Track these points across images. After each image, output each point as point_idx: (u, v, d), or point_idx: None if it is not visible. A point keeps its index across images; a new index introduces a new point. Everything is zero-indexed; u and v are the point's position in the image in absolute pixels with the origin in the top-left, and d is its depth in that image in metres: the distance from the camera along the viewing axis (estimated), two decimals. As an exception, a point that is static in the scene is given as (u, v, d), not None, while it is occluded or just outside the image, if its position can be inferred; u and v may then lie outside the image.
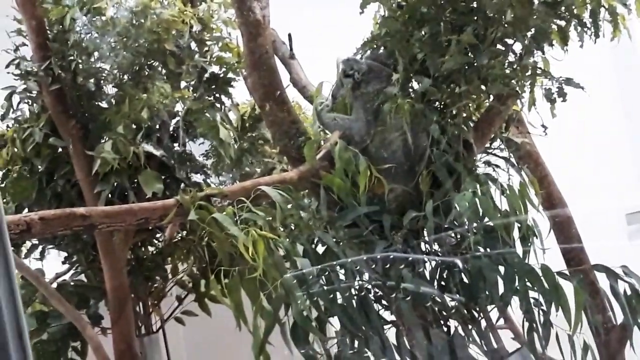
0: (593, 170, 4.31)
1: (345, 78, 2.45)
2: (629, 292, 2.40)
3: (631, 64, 4.38)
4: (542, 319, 2.30)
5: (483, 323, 2.37)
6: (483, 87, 2.32)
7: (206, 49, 2.90)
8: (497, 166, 2.58)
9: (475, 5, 2.35)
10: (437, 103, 2.37)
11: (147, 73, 2.73)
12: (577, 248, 2.94)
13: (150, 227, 2.92)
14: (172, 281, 3.25)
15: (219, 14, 2.83)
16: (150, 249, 3.22)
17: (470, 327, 2.34)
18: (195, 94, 2.87)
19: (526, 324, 2.31)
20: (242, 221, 2.16)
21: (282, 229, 2.25)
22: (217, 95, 2.96)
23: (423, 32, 2.37)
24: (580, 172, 3.88)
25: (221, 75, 2.97)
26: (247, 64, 2.35)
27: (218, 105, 2.95)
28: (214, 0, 2.86)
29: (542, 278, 2.23)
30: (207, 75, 2.93)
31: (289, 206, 2.27)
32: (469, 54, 2.29)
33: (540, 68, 2.42)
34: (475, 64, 2.28)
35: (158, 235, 3.22)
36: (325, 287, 2.18)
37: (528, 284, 2.26)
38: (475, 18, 2.33)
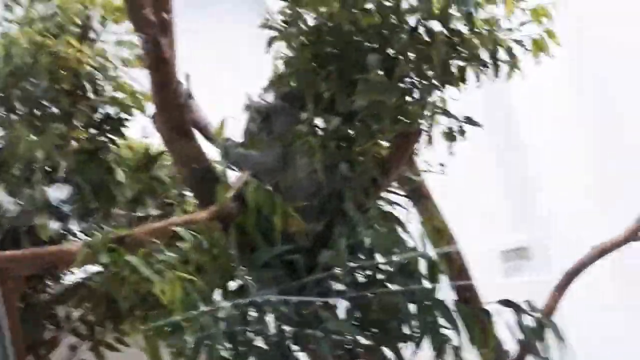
0: (471, 209, 4.44)
1: (254, 116, 2.47)
2: (533, 325, 2.48)
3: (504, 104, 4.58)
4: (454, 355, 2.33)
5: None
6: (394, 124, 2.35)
7: (100, 88, 2.83)
8: (397, 204, 2.62)
9: (378, 45, 2.40)
10: (347, 141, 2.39)
11: (41, 113, 2.65)
12: (469, 284, 3.01)
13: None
14: (65, 329, 3.13)
15: (118, 53, 2.78)
16: (42, 295, 3.09)
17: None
18: (87, 135, 2.79)
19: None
20: (155, 264, 2.11)
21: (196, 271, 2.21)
22: (111, 136, 2.89)
23: (329, 71, 2.39)
24: (459, 210, 3.99)
25: (115, 116, 2.91)
26: (156, 103, 2.31)
27: (112, 146, 2.89)
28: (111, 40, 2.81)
29: (455, 314, 2.26)
30: (100, 115, 2.86)
31: (203, 247, 2.23)
32: (378, 92, 2.32)
33: (440, 107, 2.49)
34: (384, 102, 2.31)
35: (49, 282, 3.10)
36: (242, 329, 2.15)
37: (441, 319, 2.29)
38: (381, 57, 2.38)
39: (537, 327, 2.48)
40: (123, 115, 2.92)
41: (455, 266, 2.90)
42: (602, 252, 3.02)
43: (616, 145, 4.79)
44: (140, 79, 2.86)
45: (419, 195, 2.82)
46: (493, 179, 5.22)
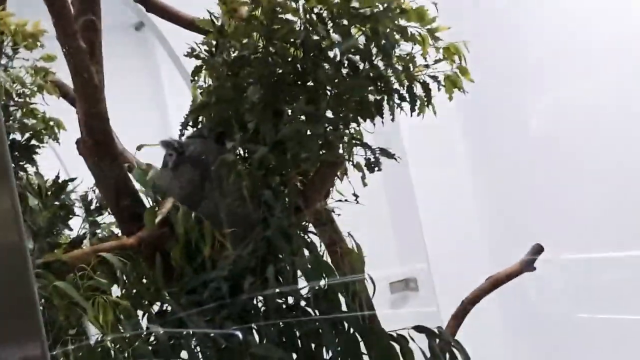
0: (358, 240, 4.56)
1: (168, 157, 2.50)
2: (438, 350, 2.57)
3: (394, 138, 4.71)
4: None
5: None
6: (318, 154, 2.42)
7: (11, 115, 2.78)
8: (313, 232, 2.68)
9: (302, 77, 2.47)
10: (271, 170, 2.43)
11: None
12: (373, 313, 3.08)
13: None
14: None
15: (34, 78, 2.75)
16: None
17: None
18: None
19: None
20: (84, 289, 2.11)
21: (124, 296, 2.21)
22: (21, 162, 2.84)
23: (253, 102, 2.44)
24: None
25: (24, 142, 2.86)
26: (83, 129, 2.31)
27: (22, 173, 2.84)
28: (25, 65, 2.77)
29: (376, 340, 2.34)
30: (9, 142, 2.80)
31: (129, 272, 2.24)
32: (304, 123, 2.39)
33: (357, 138, 2.57)
34: (310, 133, 2.38)
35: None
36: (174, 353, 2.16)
37: (362, 346, 2.36)
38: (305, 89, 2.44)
39: (449, 352, 2.58)
40: (34, 143, 2.88)
41: (363, 294, 2.98)
42: (496, 282, 3.12)
43: (502, 181, 5.01)
44: (55, 106, 2.85)
45: (329, 224, 2.88)
46: (380, 211, 5.36)
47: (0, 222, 0.92)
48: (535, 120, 4.80)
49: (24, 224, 2.73)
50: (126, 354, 2.06)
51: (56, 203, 2.88)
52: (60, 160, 4.02)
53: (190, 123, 2.56)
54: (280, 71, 2.45)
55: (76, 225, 2.95)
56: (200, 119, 2.55)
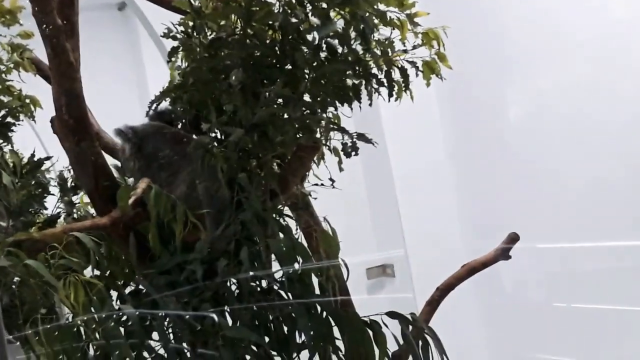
0: (336, 225, 4.56)
1: (125, 144, 2.49)
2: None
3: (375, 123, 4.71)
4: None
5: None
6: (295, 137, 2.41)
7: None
8: (289, 216, 2.67)
9: (280, 60, 2.45)
10: (247, 153, 2.42)
11: None
12: (348, 298, 3.08)
13: None
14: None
15: (10, 55, 2.72)
16: None
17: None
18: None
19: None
20: (56, 268, 2.09)
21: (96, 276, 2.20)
22: (-4, 140, 2.82)
23: (229, 84, 2.42)
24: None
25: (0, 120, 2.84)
26: (57, 107, 2.29)
27: (-4, 151, 2.82)
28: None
29: (349, 324, 2.34)
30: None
31: (102, 253, 2.22)
32: (281, 106, 2.38)
33: (335, 123, 2.57)
34: (287, 116, 2.37)
35: None
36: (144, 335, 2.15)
37: (336, 330, 2.36)
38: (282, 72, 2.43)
39: (421, 338, 2.58)
40: (9, 120, 2.86)
41: (338, 279, 2.98)
42: (471, 270, 3.11)
43: (480, 169, 5.02)
44: (32, 84, 2.82)
45: (304, 208, 2.88)
46: (358, 196, 5.36)
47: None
48: (514, 108, 4.81)
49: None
50: (97, 335, 2.05)
51: (32, 182, 2.87)
52: (39, 139, 4.01)
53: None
54: (258, 54, 2.43)
55: (52, 204, 2.94)
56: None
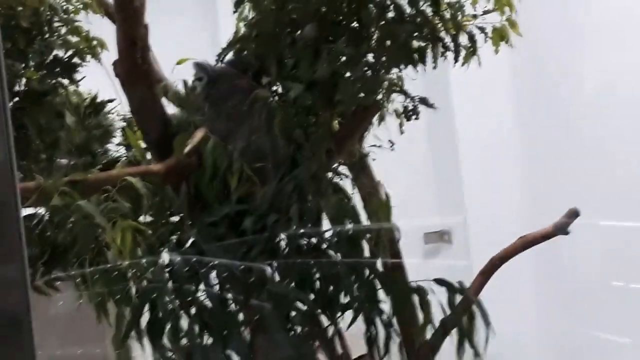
0: (396, 188, 4.54)
1: (196, 81, 2.48)
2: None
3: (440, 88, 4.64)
4: (386, 330, 2.39)
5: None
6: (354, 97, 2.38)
7: (55, 31, 2.77)
8: (346, 176, 2.65)
9: (346, 17, 2.42)
10: (305, 109, 2.41)
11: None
12: (399, 262, 3.06)
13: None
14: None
15: (78, -4, 2.73)
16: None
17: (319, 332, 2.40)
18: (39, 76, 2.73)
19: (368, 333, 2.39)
20: (108, 211, 2.11)
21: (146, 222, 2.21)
22: (61, 79, 2.83)
23: (294, 38, 2.40)
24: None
25: (65, 59, 2.85)
26: (120, 50, 2.29)
27: (61, 90, 2.83)
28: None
29: (396, 288, 2.32)
30: (51, 57, 2.80)
31: (154, 199, 2.24)
32: (342, 64, 2.35)
33: (398, 85, 2.53)
34: (347, 74, 2.34)
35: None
36: (188, 284, 2.16)
37: (381, 293, 2.35)
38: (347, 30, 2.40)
39: (467, 308, 2.56)
40: (75, 60, 2.87)
41: (390, 243, 2.96)
42: (528, 243, 3.07)
43: (548, 141, 4.93)
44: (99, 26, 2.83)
45: (362, 169, 2.86)
46: (421, 159, 5.31)
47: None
48: (586, 82, 4.69)
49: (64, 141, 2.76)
50: (143, 280, 2.07)
51: (93, 123, 2.88)
52: (112, 81, 4.01)
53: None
54: (325, 9, 2.40)
55: (115, 147, 2.95)
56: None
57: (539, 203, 4.87)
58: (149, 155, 2.50)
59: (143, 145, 2.49)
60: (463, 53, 2.51)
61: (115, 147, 2.94)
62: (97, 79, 2.88)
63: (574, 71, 4.72)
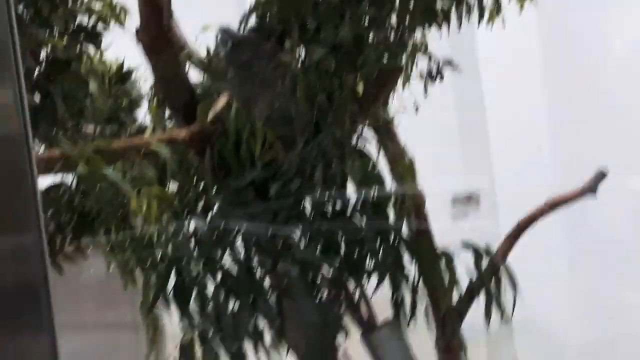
0: (423, 151, 4.52)
1: (221, 46, 2.46)
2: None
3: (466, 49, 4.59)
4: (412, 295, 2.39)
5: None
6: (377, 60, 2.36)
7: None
8: (371, 141, 2.64)
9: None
10: (328, 73, 2.39)
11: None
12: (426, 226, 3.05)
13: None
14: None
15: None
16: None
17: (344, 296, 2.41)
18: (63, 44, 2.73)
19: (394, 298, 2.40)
20: (132, 179, 2.12)
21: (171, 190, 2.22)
22: (85, 46, 2.83)
23: (317, 0, 2.38)
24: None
25: (89, 27, 2.84)
26: (143, 16, 2.29)
27: (85, 58, 2.83)
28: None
29: (422, 253, 2.32)
30: (75, 24, 2.80)
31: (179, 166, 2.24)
32: (365, 27, 2.32)
33: (422, 46, 2.50)
34: (371, 37, 2.32)
35: None
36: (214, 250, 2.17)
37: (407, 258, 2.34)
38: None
39: (494, 271, 2.55)
40: (99, 28, 2.86)
41: (416, 207, 2.95)
42: (555, 204, 3.05)
43: (577, 102, 4.87)
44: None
45: (387, 133, 2.84)
46: (448, 123, 5.27)
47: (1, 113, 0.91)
48: (617, 42, 4.62)
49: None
50: (168, 246, 2.08)
51: (120, 91, 2.89)
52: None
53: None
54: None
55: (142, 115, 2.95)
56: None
57: (568, 165, 4.82)
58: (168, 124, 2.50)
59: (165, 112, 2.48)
60: (487, 14, 2.47)
61: (143, 116, 2.95)
62: (124, 47, 2.89)
63: (603, 30, 4.65)
